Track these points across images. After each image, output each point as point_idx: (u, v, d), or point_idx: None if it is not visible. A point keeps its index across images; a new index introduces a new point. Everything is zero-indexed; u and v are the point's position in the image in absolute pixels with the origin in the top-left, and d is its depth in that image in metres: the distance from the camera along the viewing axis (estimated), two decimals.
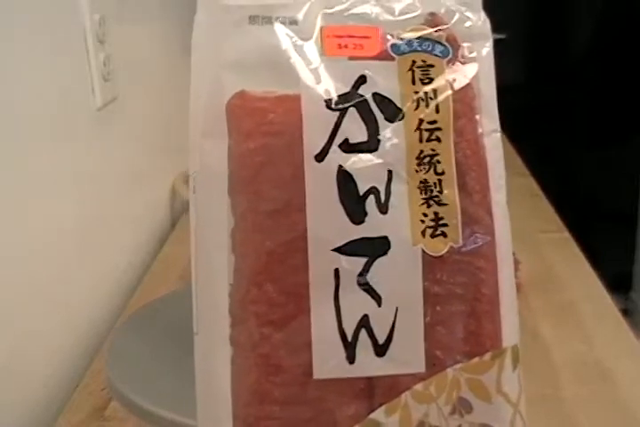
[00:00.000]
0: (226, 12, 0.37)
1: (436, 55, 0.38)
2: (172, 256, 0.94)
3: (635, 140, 1.76)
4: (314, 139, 0.36)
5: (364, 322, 0.36)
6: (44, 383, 0.67)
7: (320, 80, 0.36)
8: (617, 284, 1.19)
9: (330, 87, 0.36)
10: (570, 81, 1.84)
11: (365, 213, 0.36)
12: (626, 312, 1.60)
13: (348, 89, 0.36)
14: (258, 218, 0.36)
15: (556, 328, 0.74)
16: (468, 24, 0.39)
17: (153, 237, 0.99)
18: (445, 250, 0.37)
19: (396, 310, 0.36)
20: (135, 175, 0.94)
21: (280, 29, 0.36)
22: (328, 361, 0.36)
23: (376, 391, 0.37)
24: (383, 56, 0.37)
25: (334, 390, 0.37)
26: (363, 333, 0.36)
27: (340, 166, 0.36)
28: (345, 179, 0.36)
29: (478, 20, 0.39)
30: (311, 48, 0.36)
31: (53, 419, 0.64)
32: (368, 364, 0.36)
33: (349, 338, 0.36)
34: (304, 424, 0.37)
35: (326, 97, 0.36)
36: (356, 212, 0.36)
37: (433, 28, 0.38)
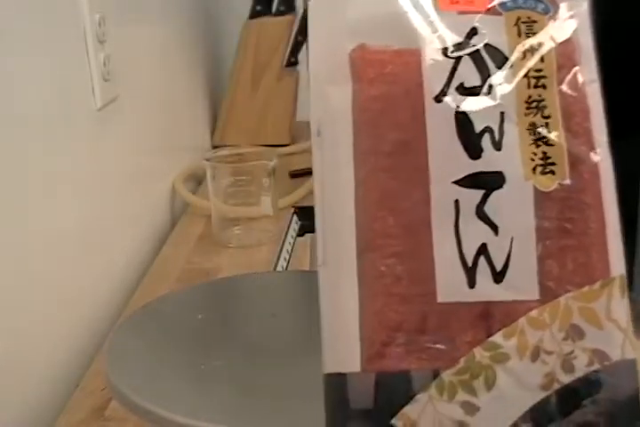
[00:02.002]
0: None
1: (539, 12, 0.41)
2: (171, 256, 0.93)
3: (635, 140, 1.74)
4: (433, 82, 0.39)
5: (483, 250, 0.39)
6: (44, 383, 0.67)
7: (436, 30, 0.40)
8: None
9: (446, 37, 0.40)
10: None
11: (482, 150, 0.39)
12: None
13: (461, 39, 0.40)
14: (380, 158, 0.40)
15: None
16: None
17: (153, 237, 0.99)
18: (554, 186, 0.40)
19: (512, 239, 0.39)
20: (135, 175, 0.94)
21: None
22: (450, 285, 0.39)
23: (493, 318, 0.39)
24: (492, 11, 0.41)
25: (454, 317, 0.39)
26: (482, 260, 0.39)
27: (458, 106, 0.39)
28: (462, 118, 0.39)
29: None
30: (427, 3, 0.41)
31: (53, 419, 0.63)
32: (487, 289, 0.39)
33: (469, 264, 0.39)
34: (426, 349, 0.39)
35: (442, 46, 0.40)
36: (473, 148, 0.39)
37: None
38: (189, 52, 1.30)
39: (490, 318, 0.39)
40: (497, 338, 0.39)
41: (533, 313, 0.40)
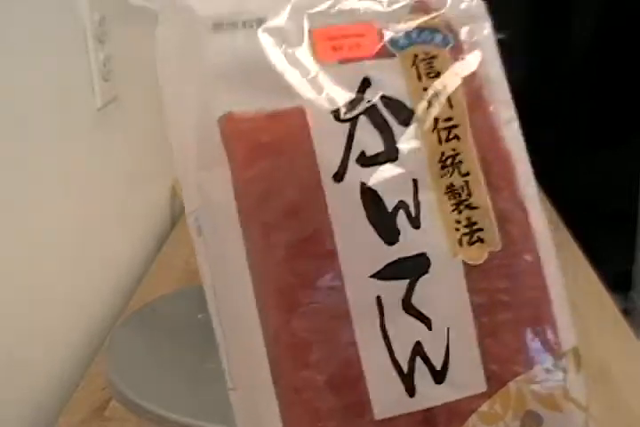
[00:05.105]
0: (196, 22, 0.33)
1: (437, 45, 0.34)
2: (171, 256, 0.93)
3: (635, 140, 1.76)
4: (328, 157, 0.32)
5: (418, 349, 0.33)
6: (45, 383, 0.66)
7: (321, 90, 0.32)
8: (617, 284, 1.18)
9: (334, 96, 0.32)
10: (570, 81, 1.83)
11: (398, 231, 0.32)
12: (626, 312, 1.59)
13: (353, 95, 0.32)
14: (275, 252, 0.32)
15: None
16: (463, 6, 0.35)
17: (153, 237, 0.99)
18: (485, 257, 0.34)
19: (448, 330, 0.33)
20: (135, 175, 0.93)
21: (265, 39, 0.32)
22: (387, 398, 0.32)
23: (438, 422, 0.34)
24: (383, 54, 0.33)
25: (393, 425, 0.33)
26: (418, 361, 0.33)
27: (363, 183, 0.32)
28: (370, 196, 0.32)
29: (472, 1, 0.36)
30: (304, 55, 0.33)
31: (53, 419, 0.63)
32: (429, 394, 0.33)
33: (405, 369, 0.33)
34: None
35: (333, 107, 0.32)
36: (388, 231, 0.32)
37: (423, 15, 0.35)
38: None
39: (435, 421, 0.34)
40: None
41: (483, 407, 0.34)
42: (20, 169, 0.63)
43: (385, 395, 0.32)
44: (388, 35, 0.34)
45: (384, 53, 0.34)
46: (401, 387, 0.32)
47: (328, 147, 0.32)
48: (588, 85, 1.82)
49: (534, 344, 0.35)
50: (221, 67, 0.32)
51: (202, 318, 0.56)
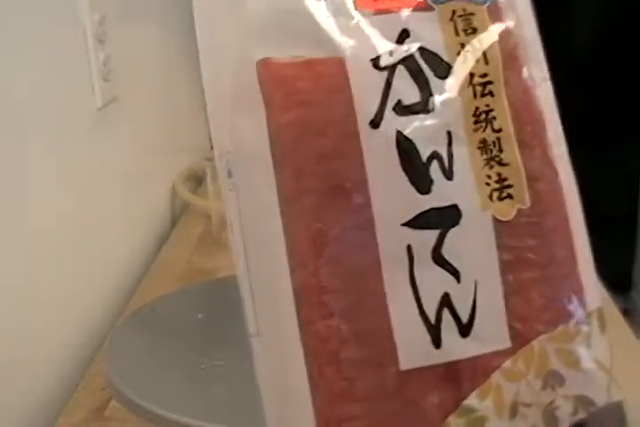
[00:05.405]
0: None
1: (475, 2, 0.34)
2: (171, 256, 0.92)
3: (635, 140, 1.75)
4: (366, 103, 0.32)
5: (446, 300, 0.33)
6: (45, 383, 0.66)
7: (361, 38, 0.32)
8: (617, 284, 1.19)
9: (373, 44, 0.32)
10: (570, 81, 1.84)
11: (431, 181, 0.32)
12: (626, 312, 1.60)
13: (392, 45, 0.33)
14: (307, 197, 0.32)
15: None
16: None
17: (153, 237, 0.98)
18: (514, 213, 0.34)
19: (476, 283, 0.33)
20: (135, 175, 0.93)
21: None
22: (413, 349, 0.32)
23: (461, 375, 0.33)
24: (422, 6, 0.33)
25: (416, 376, 0.33)
26: (445, 312, 0.33)
27: (399, 131, 0.32)
28: (406, 145, 0.32)
29: None
30: (344, 3, 0.33)
31: (53, 419, 0.63)
32: (454, 347, 0.33)
33: (432, 320, 0.32)
34: (390, 420, 0.33)
35: (372, 55, 0.32)
36: (421, 180, 0.32)
37: None
38: (189, 52, 1.29)
39: (458, 375, 0.33)
40: (471, 400, 0.33)
41: (507, 364, 0.34)
42: (20, 169, 0.63)
43: (411, 345, 0.32)
44: None
45: (423, 6, 0.34)
46: (427, 338, 0.32)
47: (366, 93, 0.32)
48: (588, 85, 1.82)
49: (559, 304, 0.35)
50: (260, 14, 0.33)
51: (202, 317, 0.59)
